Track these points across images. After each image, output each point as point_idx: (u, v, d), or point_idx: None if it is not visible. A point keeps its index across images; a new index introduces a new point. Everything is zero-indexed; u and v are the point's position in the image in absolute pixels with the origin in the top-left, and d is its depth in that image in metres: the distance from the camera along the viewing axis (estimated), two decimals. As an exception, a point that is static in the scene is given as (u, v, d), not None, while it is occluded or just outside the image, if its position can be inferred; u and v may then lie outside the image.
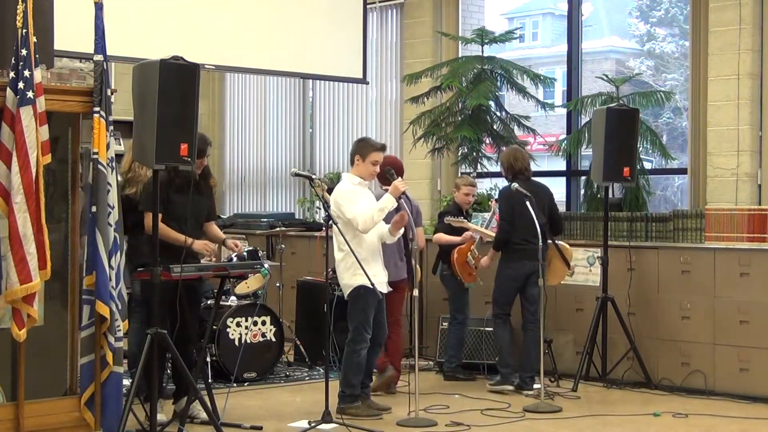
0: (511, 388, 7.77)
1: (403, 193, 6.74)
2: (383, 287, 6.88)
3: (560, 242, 7.91)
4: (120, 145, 9.34)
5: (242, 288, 8.31)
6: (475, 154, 9.26)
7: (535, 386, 7.61)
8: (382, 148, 7.00)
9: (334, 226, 6.67)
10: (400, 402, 7.32)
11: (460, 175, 9.45)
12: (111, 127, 5.78)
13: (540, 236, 7.38)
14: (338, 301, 8.13)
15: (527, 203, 7.47)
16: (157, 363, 5.97)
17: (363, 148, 6.95)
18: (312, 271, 9.58)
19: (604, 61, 17.65)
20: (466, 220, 8.23)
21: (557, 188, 11.85)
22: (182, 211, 6.42)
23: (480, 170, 9.49)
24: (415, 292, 6.84)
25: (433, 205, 10.20)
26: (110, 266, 5.70)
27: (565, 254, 7.83)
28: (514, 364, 7.87)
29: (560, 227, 8.10)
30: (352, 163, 7.00)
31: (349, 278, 6.80)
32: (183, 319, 6.30)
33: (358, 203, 6.77)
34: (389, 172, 7.02)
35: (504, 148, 9.13)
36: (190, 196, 6.29)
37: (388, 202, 6.71)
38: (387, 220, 6.90)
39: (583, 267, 8.43)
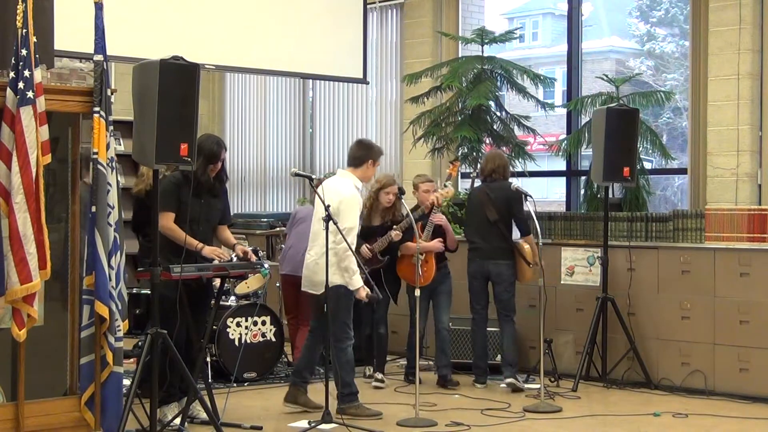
0: (481, 386, 8.00)
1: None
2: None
3: (520, 240, 8.05)
4: (120, 145, 9.35)
5: (242, 288, 8.31)
6: (475, 154, 9.26)
7: (535, 386, 7.61)
8: (383, 152, 7.37)
9: (333, 224, 6.69)
10: (400, 402, 7.34)
11: (417, 174, 8.91)
12: (111, 127, 5.78)
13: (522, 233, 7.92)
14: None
15: (526, 202, 7.53)
16: (164, 363, 5.99)
17: (377, 153, 7.12)
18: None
19: (604, 61, 17.65)
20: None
21: (557, 188, 11.87)
22: (195, 213, 6.43)
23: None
24: (417, 293, 6.85)
25: (433, 205, 10.20)
26: (110, 266, 5.70)
27: (522, 253, 7.95)
28: (485, 365, 8.12)
29: (525, 228, 7.99)
30: (360, 164, 7.01)
31: (329, 276, 6.78)
32: (188, 319, 6.29)
33: (357, 220, 6.95)
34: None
35: (504, 149, 9.18)
36: (187, 198, 6.29)
37: (353, 284, 6.80)
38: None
39: (583, 267, 8.44)
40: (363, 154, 7.05)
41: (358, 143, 7.27)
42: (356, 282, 6.77)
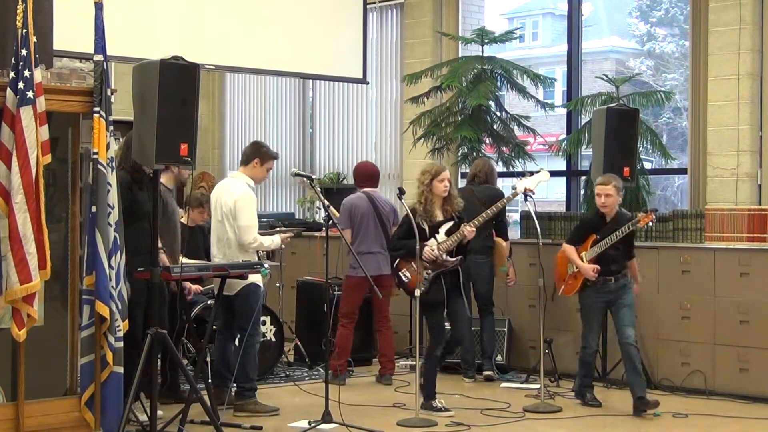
0: (469, 381, 8.18)
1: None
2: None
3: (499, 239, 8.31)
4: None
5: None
6: (475, 154, 9.25)
7: (535, 386, 7.62)
8: (277, 157, 7.39)
9: (334, 226, 6.73)
10: (399, 402, 7.34)
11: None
12: (111, 127, 5.78)
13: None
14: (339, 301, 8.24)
15: (527, 202, 7.52)
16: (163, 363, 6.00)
17: (264, 154, 7.22)
18: (312, 271, 9.58)
19: (604, 61, 17.66)
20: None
21: (557, 188, 11.84)
22: (149, 209, 6.23)
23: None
24: (416, 292, 6.86)
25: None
26: (110, 266, 5.70)
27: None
28: (472, 360, 8.29)
29: (505, 230, 8.39)
30: (247, 163, 7.17)
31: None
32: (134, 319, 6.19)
33: (255, 215, 7.06)
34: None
35: (504, 149, 9.19)
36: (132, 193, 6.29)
37: (274, 244, 7.19)
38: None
39: (583, 267, 8.42)
40: (249, 153, 7.22)
41: (250, 143, 7.46)
42: (276, 241, 7.15)
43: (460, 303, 7.10)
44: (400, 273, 7.10)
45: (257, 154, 7.20)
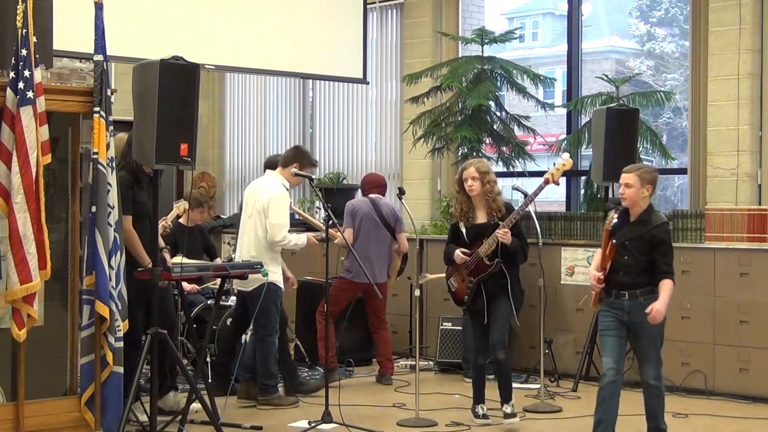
0: (470, 381, 7.85)
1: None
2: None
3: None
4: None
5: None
6: (475, 154, 9.25)
7: (536, 386, 7.61)
8: (316, 164, 7.53)
9: (334, 226, 6.74)
10: (399, 402, 7.34)
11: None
12: (111, 127, 5.79)
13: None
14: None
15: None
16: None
17: (304, 159, 7.28)
18: (312, 271, 9.57)
19: (604, 61, 17.66)
20: None
21: (557, 188, 11.82)
22: (149, 208, 6.24)
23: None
24: (416, 292, 6.85)
25: (433, 205, 10.19)
26: (110, 266, 5.70)
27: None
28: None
29: None
30: (287, 165, 7.23)
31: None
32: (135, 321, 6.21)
33: (288, 215, 7.16)
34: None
35: (504, 149, 9.19)
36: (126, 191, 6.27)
37: (301, 243, 7.25)
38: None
39: (583, 267, 8.43)
40: (290, 156, 7.31)
41: (292, 147, 7.63)
42: (302, 240, 7.23)
43: (500, 310, 6.60)
44: (448, 282, 6.84)
45: (297, 158, 7.25)
